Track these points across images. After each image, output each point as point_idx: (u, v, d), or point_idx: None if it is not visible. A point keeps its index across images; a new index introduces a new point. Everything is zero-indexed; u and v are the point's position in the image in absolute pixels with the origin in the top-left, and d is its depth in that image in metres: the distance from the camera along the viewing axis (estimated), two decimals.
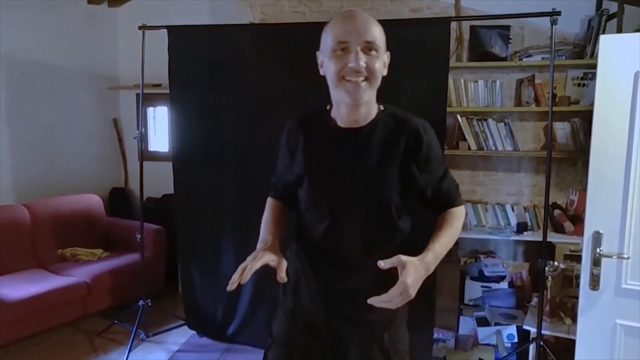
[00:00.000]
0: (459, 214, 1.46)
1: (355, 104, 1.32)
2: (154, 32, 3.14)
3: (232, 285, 1.24)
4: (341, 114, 1.37)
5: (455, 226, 1.42)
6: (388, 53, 1.37)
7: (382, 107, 1.40)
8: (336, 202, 1.38)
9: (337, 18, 1.32)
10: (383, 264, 1.22)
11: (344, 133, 1.37)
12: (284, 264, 1.31)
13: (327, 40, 1.31)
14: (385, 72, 1.34)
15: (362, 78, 1.27)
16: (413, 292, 1.21)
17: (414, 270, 1.21)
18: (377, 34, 1.30)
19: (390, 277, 1.23)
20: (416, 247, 1.34)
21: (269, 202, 1.59)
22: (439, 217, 1.45)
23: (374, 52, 1.28)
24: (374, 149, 1.35)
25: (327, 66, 1.31)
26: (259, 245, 1.38)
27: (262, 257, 1.28)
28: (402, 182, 1.35)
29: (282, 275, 1.29)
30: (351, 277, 1.41)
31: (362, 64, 1.25)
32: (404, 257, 1.22)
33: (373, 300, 1.21)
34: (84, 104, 4.52)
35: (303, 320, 1.49)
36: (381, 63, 1.31)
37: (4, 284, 3.16)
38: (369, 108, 1.36)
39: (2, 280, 3.21)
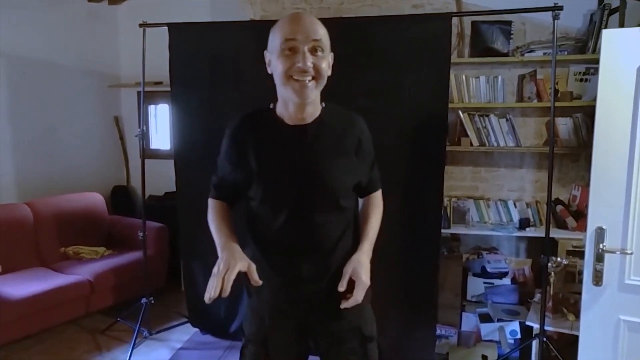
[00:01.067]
0: (379, 197, 1.64)
1: (302, 103, 1.38)
2: (155, 30, 3.13)
3: (210, 300, 1.28)
4: (289, 112, 1.43)
5: (379, 208, 1.61)
6: (332, 54, 1.42)
7: (323, 104, 1.47)
8: (291, 196, 1.43)
9: (284, 19, 1.37)
10: (340, 286, 1.36)
11: (292, 130, 1.44)
12: (254, 267, 1.34)
13: (275, 39, 1.36)
14: (329, 72, 1.39)
15: (309, 77, 1.33)
16: (369, 280, 1.40)
17: (361, 267, 1.39)
18: (323, 35, 1.36)
19: (344, 258, 1.44)
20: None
21: (213, 204, 1.62)
22: (365, 202, 1.62)
23: (320, 53, 1.34)
24: (322, 143, 1.44)
25: (275, 65, 1.36)
26: (223, 254, 1.39)
27: (234, 266, 1.31)
28: (348, 172, 1.47)
29: (255, 279, 1.33)
30: (310, 264, 1.47)
31: (309, 63, 1.31)
32: (350, 266, 1.39)
33: (344, 305, 1.37)
34: (85, 102, 4.52)
35: (270, 317, 1.54)
36: (327, 63, 1.37)
37: (7, 283, 3.17)
38: (315, 106, 1.44)
39: (5, 278, 3.22)
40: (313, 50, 1.33)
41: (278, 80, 1.37)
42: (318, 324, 1.55)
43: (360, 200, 1.63)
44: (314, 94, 1.38)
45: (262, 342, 1.55)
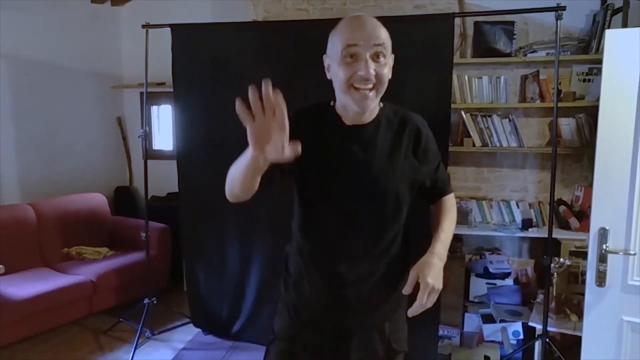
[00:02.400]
0: (452, 201, 1.57)
1: (362, 112, 1.35)
2: (158, 31, 3.14)
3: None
4: (348, 115, 1.39)
5: (452, 212, 1.54)
6: (393, 56, 1.37)
7: (382, 104, 1.43)
8: (346, 196, 1.40)
9: (345, 22, 1.32)
10: (405, 290, 1.31)
11: (350, 130, 1.40)
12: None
13: (336, 44, 1.30)
14: (390, 75, 1.35)
15: (370, 86, 1.28)
16: (439, 284, 1.30)
17: (429, 268, 1.30)
18: (385, 38, 1.31)
19: (397, 265, 1.41)
20: (410, 232, 1.51)
21: None
22: (436, 206, 1.56)
23: (382, 59, 1.29)
24: (380, 144, 1.40)
25: (336, 72, 1.31)
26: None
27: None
28: (407, 174, 1.42)
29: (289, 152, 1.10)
30: (357, 268, 1.43)
31: (372, 72, 1.26)
32: (415, 269, 1.31)
33: (411, 312, 1.30)
34: (88, 103, 4.53)
35: (306, 315, 1.51)
36: (389, 68, 1.33)
37: (10, 283, 3.18)
38: (373, 108, 1.40)
39: (9, 279, 3.22)
40: (375, 57, 1.28)
41: (338, 87, 1.33)
42: (353, 330, 1.50)
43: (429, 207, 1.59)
44: (374, 102, 1.34)
45: (292, 339, 1.51)
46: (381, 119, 1.42)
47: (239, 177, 1.23)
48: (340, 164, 1.40)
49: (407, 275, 1.36)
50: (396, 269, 1.48)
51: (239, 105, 1.05)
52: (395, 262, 1.45)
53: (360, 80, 1.27)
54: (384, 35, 1.31)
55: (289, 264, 1.56)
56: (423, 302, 1.27)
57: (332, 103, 1.44)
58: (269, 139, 1.08)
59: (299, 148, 1.09)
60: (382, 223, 1.43)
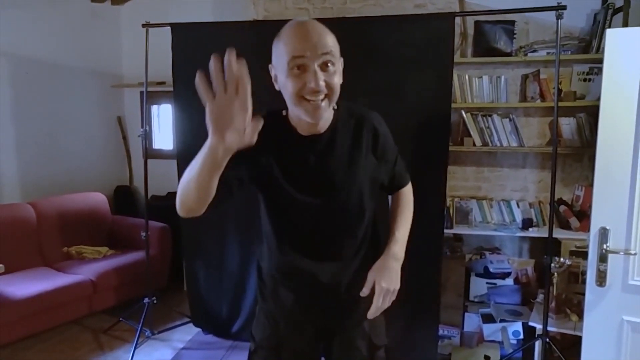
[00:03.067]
0: (409, 194, 1.59)
1: (315, 123, 1.31)
2: (158, 30, 3.14)
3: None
4: (302, 124, 1.35)
5: (409, 207, 1.56)
6: (342, 59, 1.31)
7: (335, 107, 1.38)
8: (310, 204, 1.38)
9: (289, 31, 1.25)
10: (362, 292, 1.34)
11: (306, 141, 1.36)
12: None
13: (281, 56, 1.24)
14: (340, 81, 1.29)
15: (321, 97, 1.23)
16: (395, 286, 1.35)
17: (383, 271, 1.35)
18: (332, 45, 1.25)
19: (369, 264, 1.38)
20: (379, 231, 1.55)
21: None
22: (393, 200, 1.57)
23: (331, 67, 1.24)
24: (339, 150, 1.38)
25: (284, 84, 1.26)
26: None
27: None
28: (369, 176, 1.42)
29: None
30: (329, 272, 1.44)
31: (322, 82, 1.21)
32: (372, 271, 1.35)
33: (369, 315, 1.33)
34: (88, 102, 4.53)
35: (285, 322, 1.52)
36: (339, 76, 1.28)
37: (10, 282, 3.18)
38: (328, 114, 1.35)
39: (8, 278, 3.22)
40: (324, 66, 1.22)
41: (288, 99, 1.27)
42: (333, 330, 1.53)
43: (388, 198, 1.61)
44: (328, 112, 1.30)
45: (275, 347, 1.52)
46: (337, 124, 1.38)
47: (194, 179, 1.14)
48: (301, 174, 1.37)
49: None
50: (368, 268, 1.43)
51: (198, 79, 0.95)
52: (367, 262, 1.43)
53: (311, 92, 1.21)
54: (330, 42, 1.24)
55: (262, 274, 1.55)
56: (379, 305, 1.32)
57: (284, 113, 1.38)
58: (230, 122, 1.00)
59: (260, 124, 1.02)
60: (348, 227, 1.44)
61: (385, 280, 1.33)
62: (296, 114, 1.31)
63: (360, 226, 1.45)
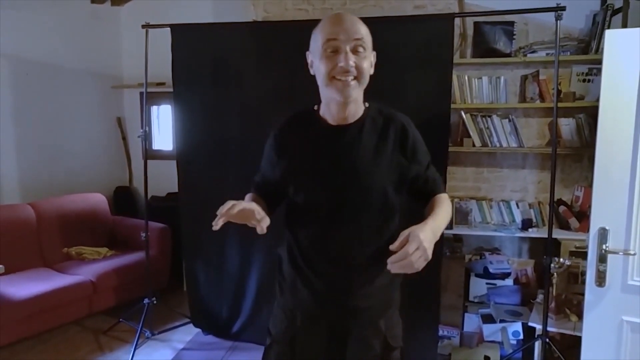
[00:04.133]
0: (446, 198, 1.51)
1: (345, 102, 1.37)
2: (158, 31, 3.14)
3: (217, 226, 1.27)
4: (331, 112, 1.42)
5: (446, 205, 1.46)
6: (374, 53, 1.41)
7: (367, 105, 1.46)
8: (334, 198, 1.41)
9: (325, 19, 1.37)
10: (393, 245, 1.21)
11: (335, 130, 1.43)
12: (267, 220, 1.30)
13: (317, 40, 1.36)
14: (372, 71, 1.39)
15: (351, 77, 1.32)
16: (429, 249, 1.20)
17: (421, 229, 1.23)
18: (365, 33, 1.35)
19: (385, 266, 1.28)
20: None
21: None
22: (430, 203, 1.48)
23: (361, 51, 1.33)
24: (366, 144, 1.41)
25: (318, 66, 1.36)
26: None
27: (239, 204, 1.27)
28: (395, 174, 1.43)
29: (263, 227, 1.28)
30: (349, 269, 1.45)
31: (352, 63, 1.31)
32: (407, 230, 1.24)
33: (392, 260, 1.20)
34: (88, 103, 4.53)
35: (302, 317, 1.52)
36: (369, 62, 1.37)
37: (10, 283, 3.18)
38: (357, 106, 1.43)
39: (8, 279, 3.22)
40: (355, 50, 1.32)
41: (321, 81, 1.37)
42: (349, 329, 1.52)
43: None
44: (356, 92, 1.36)
45: (290, 342, 1.52)
46: (366, 119, 1.44)
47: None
48: (327, 164, 1.42)
49: (399, 275, 1.38)
50: (387, 271, 1.41)
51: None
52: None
53: (341, 71, 1.31)
54: (363, 30, 1.35)
55: (282, 268, 1.57)
56: (408, 252, 1.17)
57: (315, 107, 1.47)
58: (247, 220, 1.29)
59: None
60: (373, 222, 1.43)
61: (424, 234, 1.21)
62: (327, 97, 1.40)
63: (384, 225, 1.44)
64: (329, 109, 1.42)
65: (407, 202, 1.51)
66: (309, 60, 1.43)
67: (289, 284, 1.53)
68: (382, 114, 1.46)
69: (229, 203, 1.24)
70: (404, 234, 1.23)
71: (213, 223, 1.24)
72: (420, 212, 1.46)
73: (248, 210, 1.26)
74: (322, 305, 1.49)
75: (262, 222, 1.25)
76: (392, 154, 1.42)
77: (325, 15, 1.39)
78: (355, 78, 1.33)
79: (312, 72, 1.42)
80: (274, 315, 1.60)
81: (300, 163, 1.44)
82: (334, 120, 1.42)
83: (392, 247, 1.22)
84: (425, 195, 1.52)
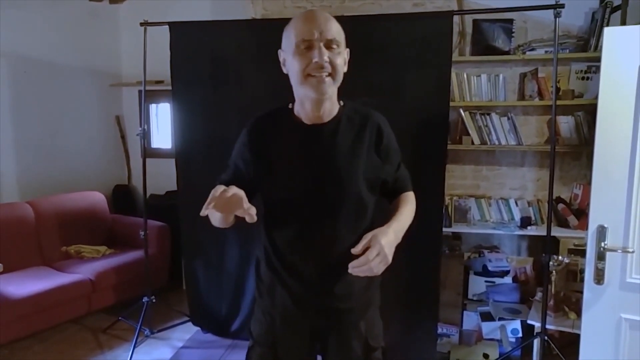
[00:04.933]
0: (412, 197, 1.56)
1: (319, 99, 1.36)
2: (156, 29, 3.13)
3: (205, 211, 1.22)
4: (306, 110, 1.41)
5: (411, 204, 1.52)
6: (348, 50, 1.41)
7: (342, 103, 1.46)
8: (310, 198, 1.40)
9: (298, 17, 1.36)
10: (355, 249, 1.27)
11: (310, 129, 1.42)
12: (254, 208, 1.24)
13: (290, 38, 1.35)
14: (346, 69, 1.39)
15: (326, 73, 1.32)
16: (389, 254, 1.26)
17: (383, 234, 1.28)
18: (338, 31, 1.35)
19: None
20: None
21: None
22: (395, 201, 1.53)
23: (335, 47, 1.33)
24: (341, 144, 1.41)
25: (291, 64, 1.35)
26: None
27: (232, 189, 1.21)
28: (369, 174, 1.43)
29: (252, 214, 1.21)
30: (326, 270, 1.44)
31: (326, 58, 1.30)
32: (369, 234, 1.29)
33: (353, 265, 1.25)
34: (87, 101, 4.52)
35: (282, 319, 1.52)
36: (342, 59, 1.36)
37: (8, 282, 3.18)
38: (332, 104, 1.42)
39: (7, 277, 3.22)
40: (328, 46, 1.32)
41: (295, 78, 1.36)
42: (329, 329, 1.53)
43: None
44: (331, 89, 1.36)
45: (271, 343, 1.53)
46: (341, 117, 1.44)
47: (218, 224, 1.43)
48: (301, 164, 1.41)
49: (375, 277, 1.38)
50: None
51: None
52: None
53: (316, 67, 1.30)
54: (336, 28, 1.35)
55: (260, 270, 1.56)
56: (369, 259, 1.23)
57: (290, 106, 1.47)
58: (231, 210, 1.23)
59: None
60: (348, 222, 1.43)
61: (385, 239, 1.26)
62: (301, 95, 1.39)
63: (358, 225, 1.44)
64: (304, 108, 1.41)
65: (377, 199, 1.53)
66: (281, 59, 1.42)
67: (267, 286, 1.52)
68: (358, 113, 1.47)
69: (221, 187, 1.19)
70: (366, 237, 1.27)
71: (203, 208, 1.18)
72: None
73: (238, 197, 1.20)
74: (301, 307, 1.48)
75: (250, 210, 1.20)
76: (368, 155, 1.43)
77: (297, 15, 1.39)
78: (330, 75, 1.32)
79: (285, 71, 1.42)
80: (255, 316, 1.61)
81: (275, 162, 1.43)
82: (309, 119, 1.42)
83: (354, 250, 1.27)
84: (393, 193, 1.55)
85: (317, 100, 1.37)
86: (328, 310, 1.49)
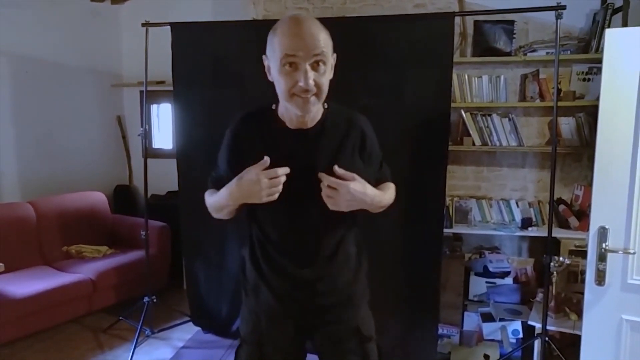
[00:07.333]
0: (392, 185, 1.61)
1: (304, 115, 1.37)
2: (158, 29, 3.14)
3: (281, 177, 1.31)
4: (290, 117, 1.41)
5: (391, 190, 1.58)
6: (335, 55, 1.37)
7: (326, 106, 1.45)
8: (293, 199, 1.40)
9: (284, 27, 1.30)
10: (325, 179, 1.32)
11: (294, 134, 1.42)
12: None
13: (274, 48, 1.31)
14: (332, 75, 1.36)
15: (311, 94, 1.30)
16: (354, 196, 1.33)
17: (359, 181, 1.35)
18: (325, 43, 1.30)
19: (351, 264, 1.50)
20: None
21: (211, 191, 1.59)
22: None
23: (322, 67, 1.30)
24: (325, 147, 1.42)
25: (276, 79, 1.34)
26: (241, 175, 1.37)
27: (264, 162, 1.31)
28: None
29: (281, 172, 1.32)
30: (310, 267, 1.47)
31: (311, 82, 1.28)
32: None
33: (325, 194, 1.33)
34: (88, 101, 4.53)
35: (267, 318, 1.54)
36: (328, 77, 1.34)
37: (10, 281, 3.18)
38: (317, 109, 1.42)
39: (8, 277, 3.23)
40: (315, 65, 1.29)
41: (280, 94, 1.35)
42: (316, 325, 1.55)
43: None
44: (316, 107, 1.37)
45: (257, 342, 1.54)
46: (325, 121, 1.43)
47: (223, 213, 1.52)
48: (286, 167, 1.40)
49: (360, 270, 1.46)
50: (349, 268, 1.52)
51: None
52: (349, 261, 1.51)
53: (301, 90, 1.28)
54: (323, 41, 1.29)
55: (245, 270, 1.58)
56: (330, 181, 1.31)
57: (273, 107, 1.46)
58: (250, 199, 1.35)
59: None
60: (331, 224, 1.46)
61: (359, 185, 1.34)
62: (287, 107, 1.38)
63: (341, 226, 1.48)
64: (288, 114, 1.41)
65: None
66: (265, 64, 1.39)
67: (252, 285, 1.54)
68: (341, 116, 1.47)
69: (261, 172, 1.30)
70: (350, 175, 1.33)
71: (267, 195, 1.31)
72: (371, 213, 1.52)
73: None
74: (284, 304, 1.50)
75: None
76: (352, 159, 1.44)
77: (284, 21, 1.32)
78: (315, 94, 1.31)
79: (269, 78, 1.39)
80: (242, 315, 1.64)
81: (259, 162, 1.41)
82: (293, 124, 1.42)
83: (322, 178, 1.33)
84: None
85: (302, 115, 1.37)
86: (313, 307, 1.51)
